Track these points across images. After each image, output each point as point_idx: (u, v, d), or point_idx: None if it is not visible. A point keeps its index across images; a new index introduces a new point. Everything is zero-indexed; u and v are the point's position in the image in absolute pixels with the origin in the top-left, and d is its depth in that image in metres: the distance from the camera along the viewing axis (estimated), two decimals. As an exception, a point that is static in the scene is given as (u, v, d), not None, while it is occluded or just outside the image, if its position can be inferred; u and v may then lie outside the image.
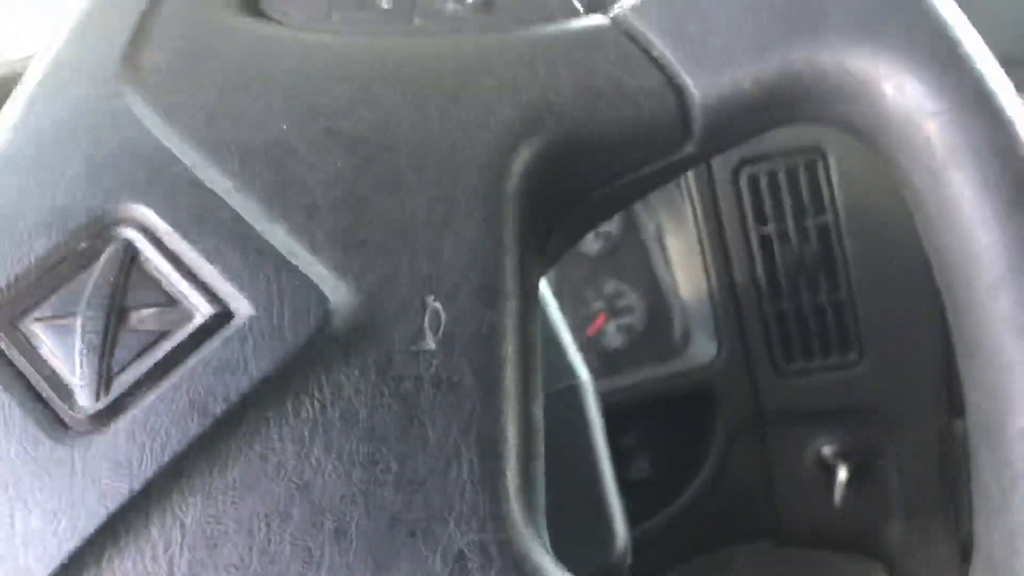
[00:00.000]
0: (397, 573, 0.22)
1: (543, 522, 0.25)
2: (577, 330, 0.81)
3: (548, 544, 0.25)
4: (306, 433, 0.24)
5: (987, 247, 0.24)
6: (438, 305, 0.26)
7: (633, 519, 0.76)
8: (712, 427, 0.75)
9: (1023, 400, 0.23)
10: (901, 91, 0.26)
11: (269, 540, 0.23)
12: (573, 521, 0.39)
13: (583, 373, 0.43)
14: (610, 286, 0.81)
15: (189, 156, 0.26)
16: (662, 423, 0.76)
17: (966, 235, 0.25)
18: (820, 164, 0.72)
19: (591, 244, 0.81)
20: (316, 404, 0.24)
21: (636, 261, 0.81)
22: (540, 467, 0.26)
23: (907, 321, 0.71)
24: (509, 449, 0.24)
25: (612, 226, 0.81)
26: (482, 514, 0.23)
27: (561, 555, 0.38)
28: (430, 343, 0.25)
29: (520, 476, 0.24)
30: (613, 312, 0.80)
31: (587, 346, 0.80)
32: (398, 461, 0.23)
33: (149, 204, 0.26)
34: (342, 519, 0.23)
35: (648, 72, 0.28)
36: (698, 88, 0.27)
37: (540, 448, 0.27)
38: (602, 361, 0.79)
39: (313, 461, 0.23)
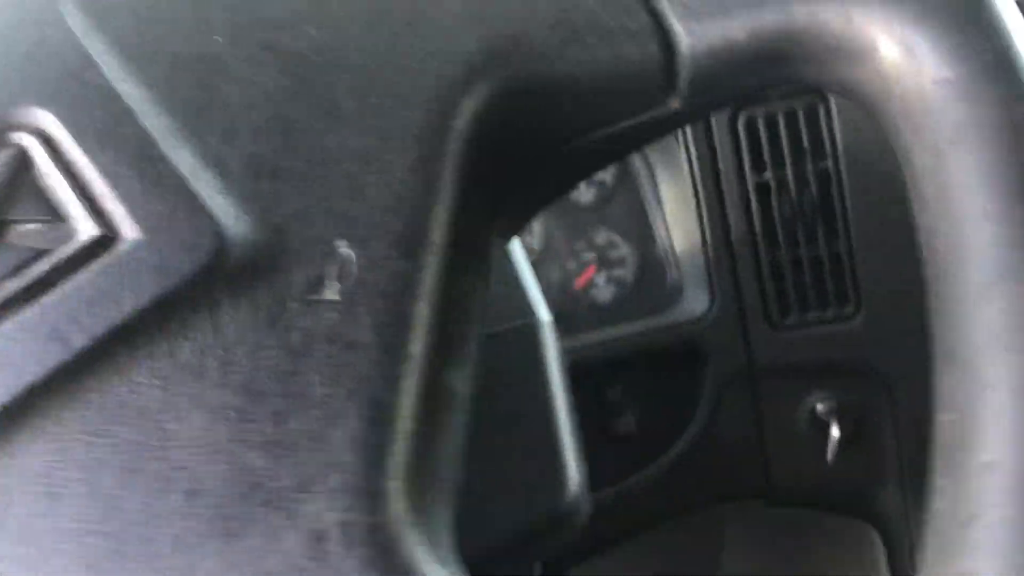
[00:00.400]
0: (246, 545, 0.20)
1: (442, 503, 0.23)
2: (567, 282, 0.78)
3: (441, 528, 0.22)
4: (176, 378, 0.21)
5: (982, 243, 0.21)
6: (349, 251, 0.23)
7: (619, 474, 0.74)
8: (702, 381, 0.72)
9: (994, 430, 0.20)
10: (911, 53, 0.22)
11: (116, 494, 0.21)
12: (520, 465, 0.37)
13: (542, 312, 0.41)
14: (602, 237, 0.78)
15: (110, 63, 0.24)
16: (652, 377, 0.74)
17: (961, 225, 0.22)
18: (821, 107, 0.68)
19: (584, 193, 0.78)
20: (193, 348, 0.22)
21: (629, 210, 0.77)
22: (446, 442, 0.24)
23: (906, 275, 0.68)
24: (403, 420, 0.22)
25: (606, 174, 0.78)
26: (355, 491, 0.21)
27: (506, 501, 0.36)
28: (331, 292, 0.23)
29: (413, 451, 0.22)
30: (604, 263, 0.78)
31: (577, 298, 0.77)
32: (272, 421, 0.21)
33: (53, 110, 0.23)
34: (197, 478, 0.21)
35: (635, 13, 0.25)
36: (687, 35, 0.24)
37: (449, 421, 0.24)
38: (592, 313, 0.77)
39: (179, 410, 0.21)
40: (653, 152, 0.75)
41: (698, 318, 0.72)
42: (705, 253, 0.72)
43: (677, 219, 0.74)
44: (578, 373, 0.73)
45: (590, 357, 0.72)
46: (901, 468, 0.71)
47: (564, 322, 0.77)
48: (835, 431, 0.70)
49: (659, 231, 0.76)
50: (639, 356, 0.73)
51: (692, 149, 0.71)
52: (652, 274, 0.77)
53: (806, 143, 0.69)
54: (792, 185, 0.69)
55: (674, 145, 0.73)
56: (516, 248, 0.41)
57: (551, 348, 0.40)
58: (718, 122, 0.70)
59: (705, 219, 0.71)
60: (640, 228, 0.77)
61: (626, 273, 0.77)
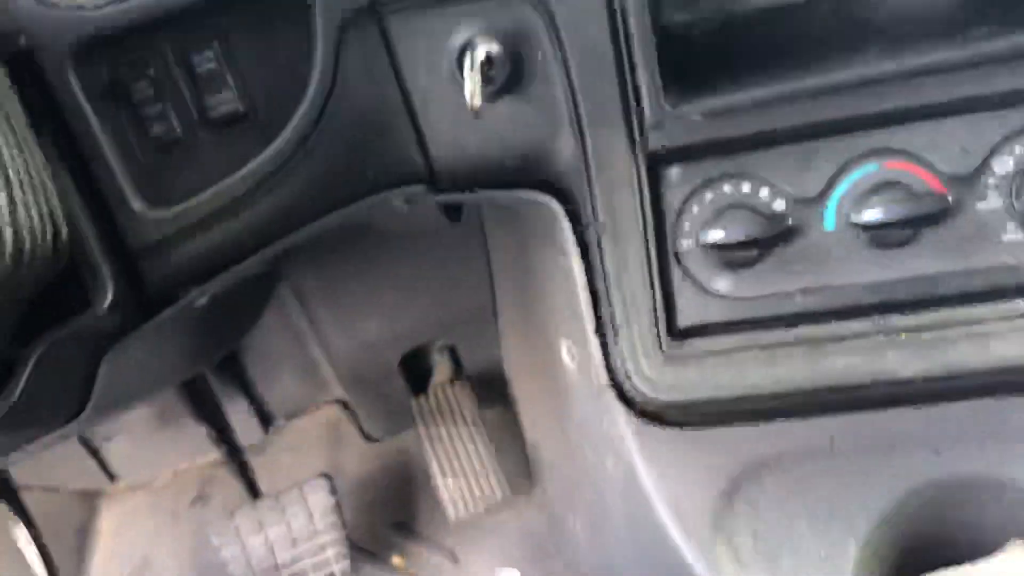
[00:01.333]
0: None
1: None
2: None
3: None
4: None
5: None
6: None
7: (234, 167, 0.57)
8: (312, 24, 0.54)
9: None
10: None
11: None
12: None
13: None
14: None
15: None
16: (251, 33, 0.55)
17: None
18: None
19: None
20: None
21: None
22: None
23: None
24: None
25: None
26: None
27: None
28: None
29: None
30: None
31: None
32: None
33: None
34: None
35: None
36: None
37: None
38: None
39: None
40: None
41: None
42: None
43: None
44: (155, 38, 0.54)
45: (165, 10, 0.53)
46: (575, 110, 0.56)
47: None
48: (471, 74, 0.53)
49: None
50: (229, 4, 0.54)
51: None
52: None
53: None
54: None
55: None
56: None
57: None
58: None
59: None
60: None
61: None
